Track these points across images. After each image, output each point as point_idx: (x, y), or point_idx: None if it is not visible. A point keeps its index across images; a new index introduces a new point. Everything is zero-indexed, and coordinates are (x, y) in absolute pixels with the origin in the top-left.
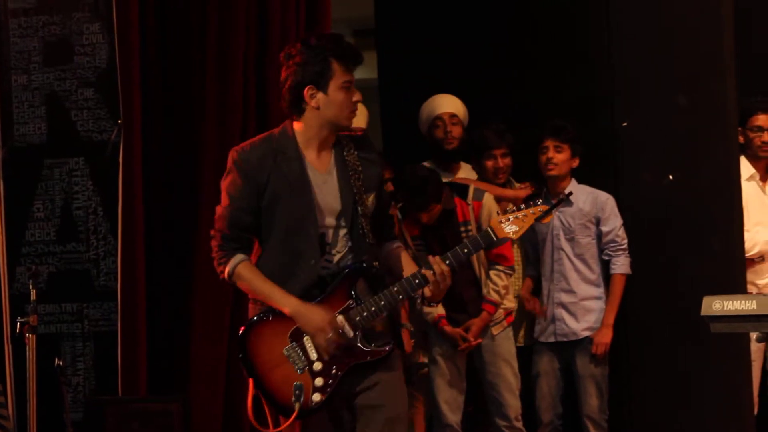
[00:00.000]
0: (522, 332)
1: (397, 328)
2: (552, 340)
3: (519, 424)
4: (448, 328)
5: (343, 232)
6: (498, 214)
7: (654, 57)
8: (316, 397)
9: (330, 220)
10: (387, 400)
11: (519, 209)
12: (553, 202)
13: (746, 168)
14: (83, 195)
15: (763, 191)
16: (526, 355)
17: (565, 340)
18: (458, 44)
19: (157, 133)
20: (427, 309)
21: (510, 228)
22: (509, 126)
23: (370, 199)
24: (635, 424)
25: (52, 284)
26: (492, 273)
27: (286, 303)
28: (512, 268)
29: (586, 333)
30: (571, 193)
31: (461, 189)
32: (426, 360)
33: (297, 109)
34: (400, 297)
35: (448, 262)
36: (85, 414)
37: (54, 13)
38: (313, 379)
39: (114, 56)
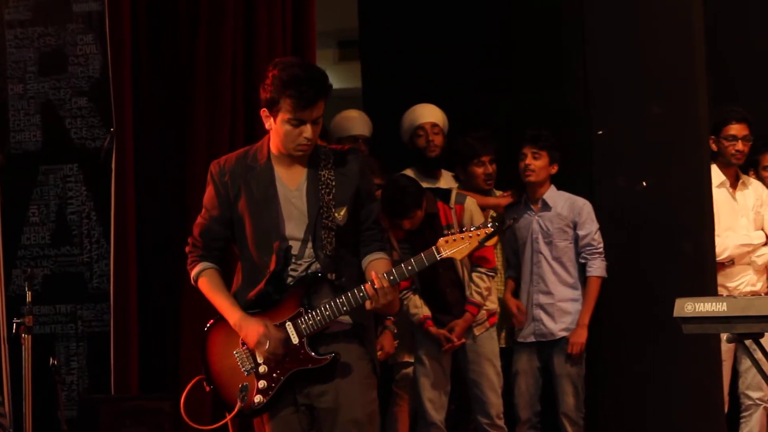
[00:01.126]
0: (503, 334)
1: (365, 336)
2: (531, 340)
3: (500, 422)
4: (432, 329)
5: (309, 244)
6: (446, 234)
7: (628, 68)
8: (258, 398)
9: (297, 233)
10: (343, 403)
11: (464, 231)
12: (496, 227)
13: (717, 175)
14: (77, 200)
15: (733, 197)
16: (507, 356)
17: (543, 340)
18: (439, 56)
19: (148, 140)
20: (413, 310)
21: (454, 248)
22: (496, 137)
23: (341, 213)
24: (610, 422)
25: (47, 286)
26: (474, 275)
27: (230, 316)
28: (494, 270)
29: (563, 333)
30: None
31: (444, 193)
32: (410, 359)
33: (266, 124)
34: (344, 309)
35: (391, 278)
36: (79, 411)
37: (49, 25)
38: (258, 381)
39: (107, 66)
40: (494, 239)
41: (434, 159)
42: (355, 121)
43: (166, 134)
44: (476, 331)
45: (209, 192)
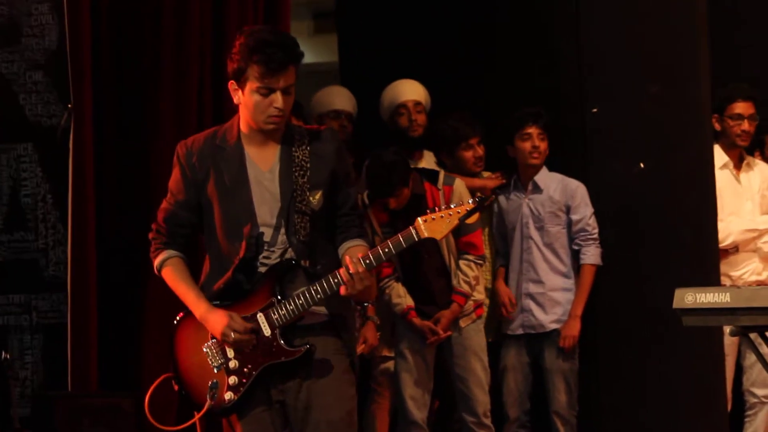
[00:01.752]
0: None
1: (342, 328)
2: (520, 332)
3: (487, 421)
4: (416, 321)
5: (282, 230)
6: (428, 212)
7: (625, 43)
8: (228, 396)
9: (269, 219)
10: (316, 402)
11: (443, 209)
12: (476, 202)
13: (720, 156)
14: (32, 182)
15: (737, 180)
16: (494, 351)
17: (532, 332)
18: (420, 27)
19: (108, 118)
20: (395, 300)
21: (434, 227)
22: (476, 113)
23: (317, 196)
24: (605, 420)
25: None
26: (462, 263)
27: (196, 308)
28: (482, 258)
29: (555, 326)
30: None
31: (431, 174)
32: (389, 354)
33: (234, 99)
34: (318, 297)
35: (367, 262)
36: (33, 409)
37: None
38: (228, 377)
39: (64, 38)
40: (475, 216)
41: (417, 139)
42: (337, 96)
43: (128, 111)
44: (462, 323)
45: (175, 175)
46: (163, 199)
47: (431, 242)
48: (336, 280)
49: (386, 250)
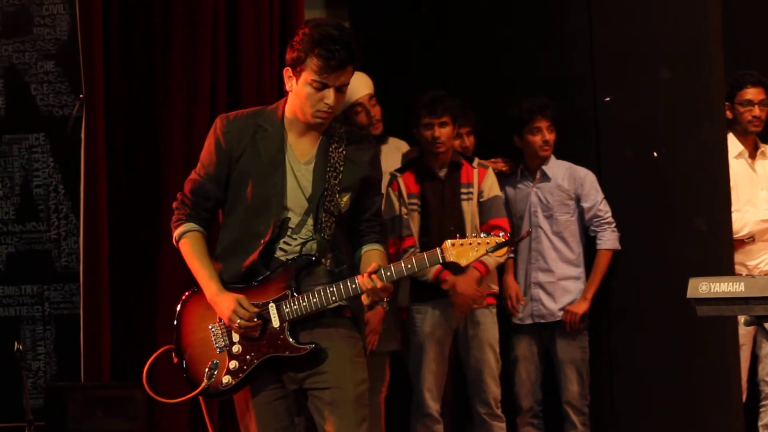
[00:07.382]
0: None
1: (355, 317)
2: (529, 321)
3: (499, 411)
4: (450, 277)
5: (309, 221)
6: (457, 237)
7: (637, 29)
8: (226, 379)
9: (298, 208)
10: (334, 383)
11: (473, 237)
12: (508, 236)
13: (734, 145)
14: (43, 172)
15: (753, 169)
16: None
17: (542, 321)
18: (434, 16)
19: (120, 107)
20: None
21: (461, 253)
22: (489, 104)
23: (345, 198)
24: (618, 410)
25: (12, 265)
26: None
27: (207, 288)
28: None
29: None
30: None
31: (466, 156)
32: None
33: (286, 85)
34: (333, 299)
35: (388, 274)
36: (46, 400)
37: None
38: (229, 361)
39: (75, 28)
40: (504, 250)
41: (380, 136)
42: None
43: (139, 101)
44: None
45: (209, 146)
46: (193, 170)
47: (458, 217)
48: (354, 286)
49: (408, 266)
